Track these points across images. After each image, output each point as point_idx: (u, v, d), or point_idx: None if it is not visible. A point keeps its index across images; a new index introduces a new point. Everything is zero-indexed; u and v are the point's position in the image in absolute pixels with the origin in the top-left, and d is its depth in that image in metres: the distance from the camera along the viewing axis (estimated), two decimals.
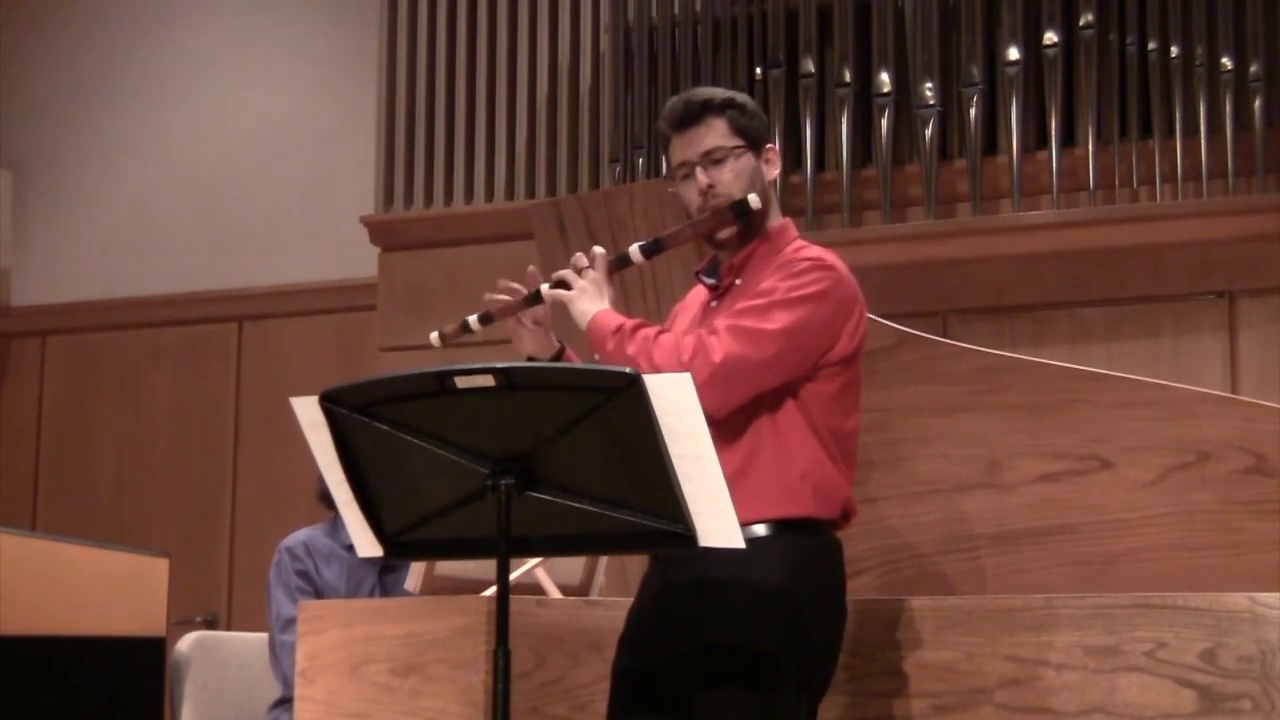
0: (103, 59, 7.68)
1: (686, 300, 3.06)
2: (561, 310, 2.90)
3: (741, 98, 2.91)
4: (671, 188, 2.95)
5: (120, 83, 7.64)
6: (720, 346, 2.70)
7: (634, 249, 2.92)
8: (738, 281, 2.88)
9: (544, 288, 2.90)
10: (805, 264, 2.79)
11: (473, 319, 2.95)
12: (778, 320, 2.72)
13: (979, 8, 5.94)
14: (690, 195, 2.88)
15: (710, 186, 2.85)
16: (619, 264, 2.93)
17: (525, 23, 6.71)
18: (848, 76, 6.06)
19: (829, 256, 2.83)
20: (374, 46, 6.87)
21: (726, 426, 2.68)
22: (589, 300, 2.84)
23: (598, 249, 2.92)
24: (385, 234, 6.75)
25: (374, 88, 6.84)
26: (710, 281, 2.93)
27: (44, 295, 7.60)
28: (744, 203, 2.83)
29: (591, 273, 2.88)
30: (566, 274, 2.89)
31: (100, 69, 7.67)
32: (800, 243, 2.89)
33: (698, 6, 6.41)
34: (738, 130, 2.87)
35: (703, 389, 2.46)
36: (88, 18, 7.73)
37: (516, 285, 2.94)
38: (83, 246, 7.59)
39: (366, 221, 6.75)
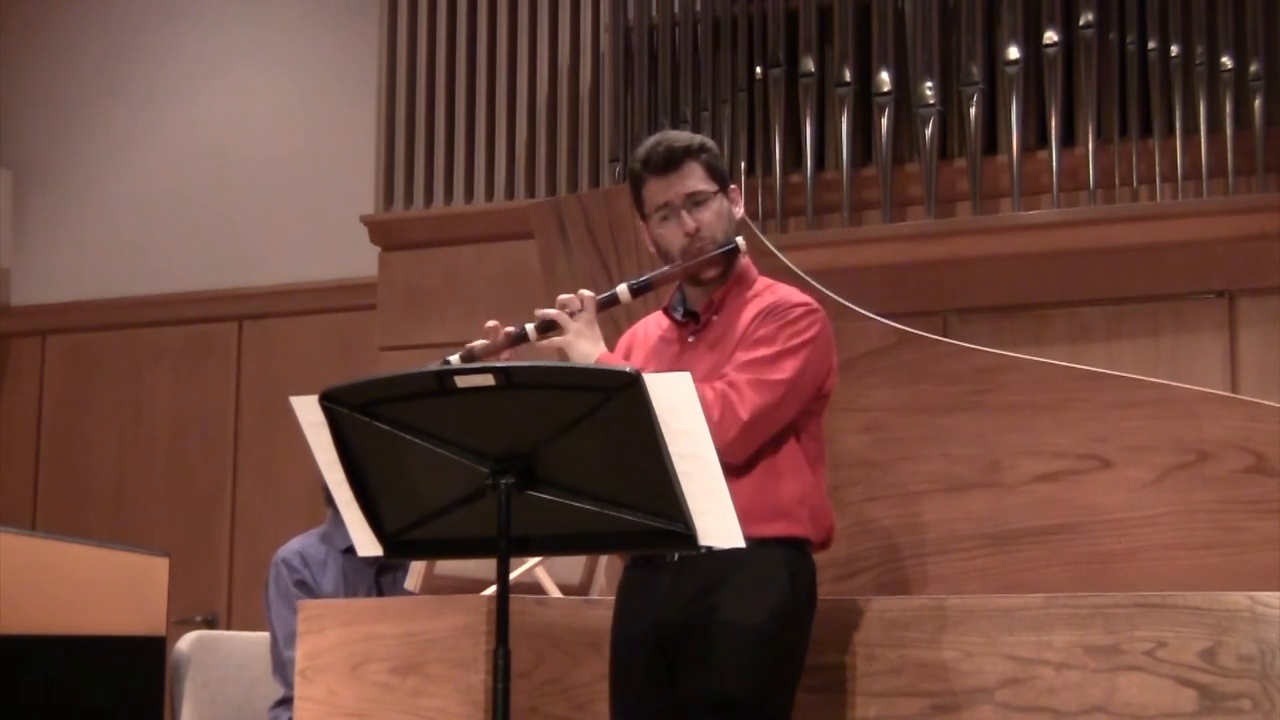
0: (103, 59, 7.67)
1: (638, 332, 3.15)
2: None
3: (710, 142, 3.05)
4: (653, 226, 3.03)
5: (120, 83, 7.63)
6: (745, 402, 2.84)
7: (622, 288, 3.04)
8: (715, 318, 3.01)
9: (529, 327, 2.99)
10: (797, 310, 2.95)
11: (454, 358, 3.00)
12: (787, 369, 2.88)
13: (979, 7, 5.93)
14: (674, 236, 3.00)
15: (697, 229, 2.97)
16: (606, 303, 3.05)
17: (525, 23, 6.70)
18: (848, 76, 6.06)
19: (810, 299, 3.00)
20: (374, 46, 6.87)
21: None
22: (588, 343, 2.96)
23: (585, 291, 3.02)
24: (385, 233, 6.74)
25: (374, 88, 6.83)
26: (679, 316, 3.05)
27: (44, 295, 7.60)
28: (735, 247, 2.99)
29: (585, 314, 2.98)
30: (556, 315, 2.98)
31: (100, 69, 7.67)
32: (765, 280, 3.06)
33: (698, 6, 6.40)
34: (711, 174, 3.01)
35: (734, 444, 2.75)
36: (88, 18, 7.73)
37: (496, 323, 3.01)
38: (83, 246, 7.59)
39: (366, 221, 6.75)
